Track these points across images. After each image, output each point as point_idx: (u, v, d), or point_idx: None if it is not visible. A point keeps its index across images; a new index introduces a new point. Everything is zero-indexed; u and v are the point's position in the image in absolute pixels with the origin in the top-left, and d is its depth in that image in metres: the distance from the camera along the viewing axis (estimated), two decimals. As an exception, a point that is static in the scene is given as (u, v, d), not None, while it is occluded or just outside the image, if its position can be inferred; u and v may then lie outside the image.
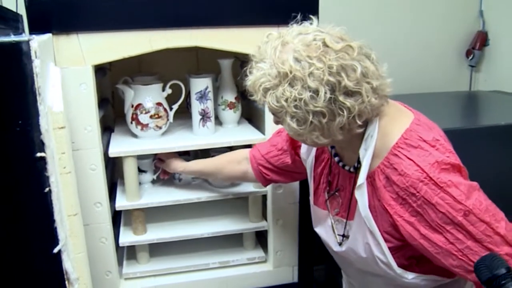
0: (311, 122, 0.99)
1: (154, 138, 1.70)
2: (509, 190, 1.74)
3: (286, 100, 0.98)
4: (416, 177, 0.98)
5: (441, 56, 2.63)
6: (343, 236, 1.19)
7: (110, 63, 1.85)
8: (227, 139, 1.70)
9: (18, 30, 1.36)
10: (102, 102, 1.81)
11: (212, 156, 1.87)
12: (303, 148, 1.33)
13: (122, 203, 1.66)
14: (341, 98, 0.97)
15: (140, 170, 1.72)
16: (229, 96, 1.80)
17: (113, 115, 1.97)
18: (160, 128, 1.69)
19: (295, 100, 0.97)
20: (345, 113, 0.98)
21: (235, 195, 1.73)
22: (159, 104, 1.68)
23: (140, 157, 1.71)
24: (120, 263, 1.74)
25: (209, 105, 1.71)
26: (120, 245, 1.68)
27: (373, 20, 2.52)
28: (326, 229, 1.25)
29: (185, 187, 1.79)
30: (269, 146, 1.45)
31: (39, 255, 0.98)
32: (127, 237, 1.70)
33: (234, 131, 1.80)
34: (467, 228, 0.97)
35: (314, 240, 1.77)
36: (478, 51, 2.59)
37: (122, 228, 1.75)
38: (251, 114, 2.01)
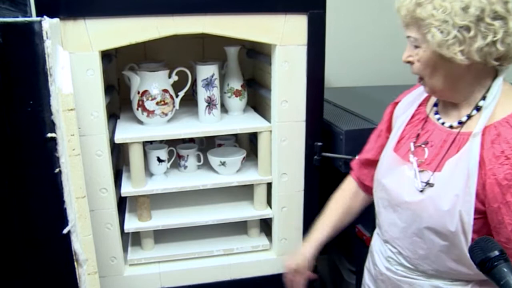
0: (455, 36, 1.03)
1: (160, 125, 1.70)
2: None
3: (437, 10, 1.03)
4: None
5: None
6: (427, 183, 1.18)
7: (116, 50, 1.85)
8: (232, 127, 1.71)
9: (26, 14, 1.36)
10: (108, 89, 1.80)
11: (218, 144, 1.88)
12: (402, 103, 1.36)
13: (127, 189, 1.66)
14: (488, 19, 1.01)
15: (160, 160, 1.72)
16: (235, 84, 1.80)
17: (118, 102, 1.97)
18: (166, 114, 1.69)
19: (445, 12, 1.02)
20: (490, 35, 1.02)
21: (240, 182, 1.73)
22: (165, 90, 1.68)
23: (157, 147, 1.72)
24: (125, 249, 1.74)
25: (215, 92, 1.71)
26: (125, 231, 1.68)
27: (380, 8, 2.51)
28: (399, 178, 1.25)
29: (190, 174, 1.79)
30: (364, 149, 1.47)
31: (49, 235, 0.99)
32: (132, 223, 1.70)
33: (240, 119, 1.80)
34: None
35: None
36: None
37: (127, 214, 1.76)
38: (256, 102, 2.01)
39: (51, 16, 1.34)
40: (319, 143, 1.66)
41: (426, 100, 1.31)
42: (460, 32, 1.02)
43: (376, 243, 1.41)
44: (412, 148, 1.25)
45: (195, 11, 1.47)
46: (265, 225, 1.90)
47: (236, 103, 1.81)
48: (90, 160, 1.51)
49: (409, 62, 1.17)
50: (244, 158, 1.76)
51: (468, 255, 1.10)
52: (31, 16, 1.41)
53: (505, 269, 0.84)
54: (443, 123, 1.21)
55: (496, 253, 0.86)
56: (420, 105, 1.31)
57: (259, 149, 1.71)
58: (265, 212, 1.77)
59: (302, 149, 1.67)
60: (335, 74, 2.48)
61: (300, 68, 1.58)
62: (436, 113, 1.24)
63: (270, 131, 1.68)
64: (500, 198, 1.03)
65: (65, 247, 0.99)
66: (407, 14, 1.10)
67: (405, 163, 1.25)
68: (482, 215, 1.09)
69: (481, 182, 1.07)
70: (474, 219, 1.08)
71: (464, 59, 1.05)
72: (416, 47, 1.13)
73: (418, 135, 1.25)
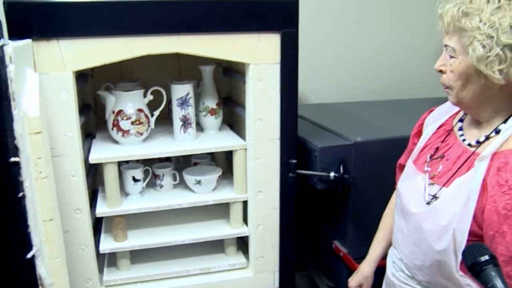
0: (497, 53, 1.01)
1: (135, 144, 1.70)
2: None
3: (484, 24, 1.01)
4: None
5: (427, 61, 2.64)
6: (434, 196, 1.18)
7: (92, 69, 1.85)
8: (208, 145, 1.71)
9: (-3, 36, 1.36)
10: (84, 108, 1.80)
11: (194, 163, 1.89)
12: (435, 112, 1.36)
13: (102, 209, 1.65)
14: None
15: (135, 180, 1.72)
16: (211, 102, 1.80)
17: (95, 122, 1.97)
18: (141, 134, 1.69)
19: (492, 27, 1.01)
20: None
21: (216, 201, 1.73)
22: (140, 110, 1.68)
23: (132, 167, 1.72)
24: (100, 270, 1.72)
25: (190, 111, 1.71)
26: (101, 252, 1.67)
27: (356, 25, 2.53)
28: (411, 187, 1.27)
29: (166, 193, 1.79)
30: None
31: (12, 260, 0.97)
32: (107, 244, 1.69)
33: (215, 137, 1.80)
34: None
35: (295, 246, 1.78)
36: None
37: (102, 235, 1.74)
38: (233, 120, 2.02)
39: (24, 37, 1.35)
40: (294, 161, 1.66)
41: (457, 112, 1.29)
42: (503, 51, 1.01)
43: (391, 248, 1.43)
44: (428, 160, 1.25)
45: (167, 31, 1.48)
46: (242, 243, 1.90)
47: (212, 121, 1.81)
48: (64, 181, 1.50)
49: (440, 71, 1.15)
50: (219, 176, 1.76)
51: (456, 274, 1.12)
52: (2, 37, 1.40)
53: (493, 273, 0.87)
54: (463, 140, 1.20)
55: (486, 257, 0.89)
56: (450, 117, 1.30)
57: (234, 167, 1.71)
58: (242, 230, 1.77)
59: (277, 167, 1.67)
60: (312, 90, 2.50)
61: (274, 86, 1.60)
62: (460, 128, 1.23)
63: (245, 149, 1.68)
64: (497, 227, 1.03)
65: (29, 272, 0.98)
66: (450, 22, 1.08)
67: (420, 174, 1.26)
68: (479, 239, 1.08)
69: (481, 206, 1.06)
70: (470, 240, 1.08)
71: (500, 79, 1.03)
72: (452, 57, 1.11)
73: (437, 148, 1.26)
